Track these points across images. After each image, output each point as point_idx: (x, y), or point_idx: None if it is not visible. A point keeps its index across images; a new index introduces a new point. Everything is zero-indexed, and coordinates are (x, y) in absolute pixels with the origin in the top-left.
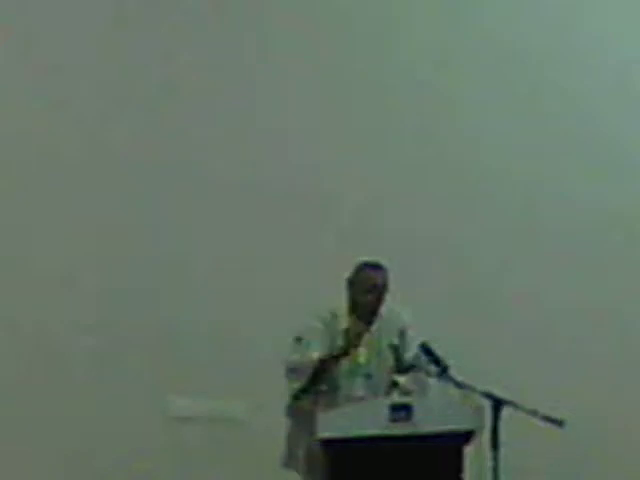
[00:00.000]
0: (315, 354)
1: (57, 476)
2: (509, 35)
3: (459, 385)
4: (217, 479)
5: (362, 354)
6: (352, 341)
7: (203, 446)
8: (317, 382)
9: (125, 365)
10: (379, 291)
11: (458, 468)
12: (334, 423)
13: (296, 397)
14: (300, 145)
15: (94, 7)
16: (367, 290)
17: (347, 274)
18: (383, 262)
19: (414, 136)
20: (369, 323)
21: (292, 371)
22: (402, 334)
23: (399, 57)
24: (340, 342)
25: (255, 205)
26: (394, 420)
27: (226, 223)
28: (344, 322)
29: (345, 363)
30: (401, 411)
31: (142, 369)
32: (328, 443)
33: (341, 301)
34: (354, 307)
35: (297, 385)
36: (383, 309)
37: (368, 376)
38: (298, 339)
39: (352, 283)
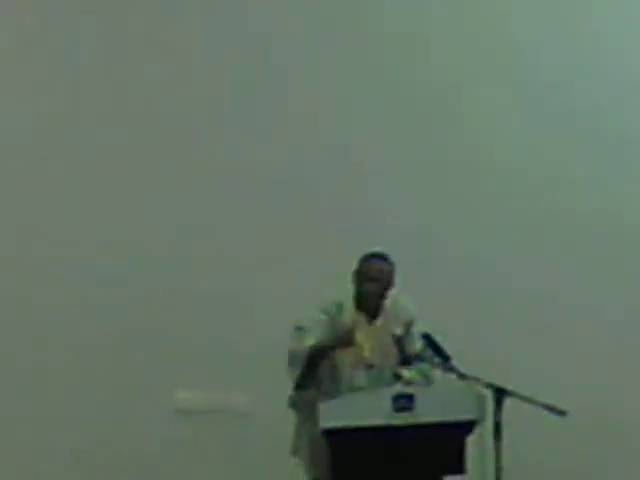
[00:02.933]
0: (309, 341)
1: (60, 470)
2: (518, 36)
3: (461, 375)
4: (220, 472)
5: (366, 346)
6: (345, 337)
7: (205, 439)
8: (313, 369)
9: (127, 358)
10: (383, 280)
11: (460, 458)
12: (336, 413)
13: (298, 385)
14: (305, 140)
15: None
16: (371, 278)
17: (352, 268)
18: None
19: (418, 133)
20: (374, 315)
21: (291, 360)
22: (408, 326)
23: (412, 55)
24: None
25: (257, 200)
26: (397, 410)
27: (228, 218)
28: (349, 313)
29: (349, 354)
30: (403, 401)
31: (144, 362)
32: (330, 433)
33: (346, 294)
34: (359, 298)
35: (297, 373)
36: (388, 301)
37: (371, 367)
38: (298, 328)
39: (357, 273)
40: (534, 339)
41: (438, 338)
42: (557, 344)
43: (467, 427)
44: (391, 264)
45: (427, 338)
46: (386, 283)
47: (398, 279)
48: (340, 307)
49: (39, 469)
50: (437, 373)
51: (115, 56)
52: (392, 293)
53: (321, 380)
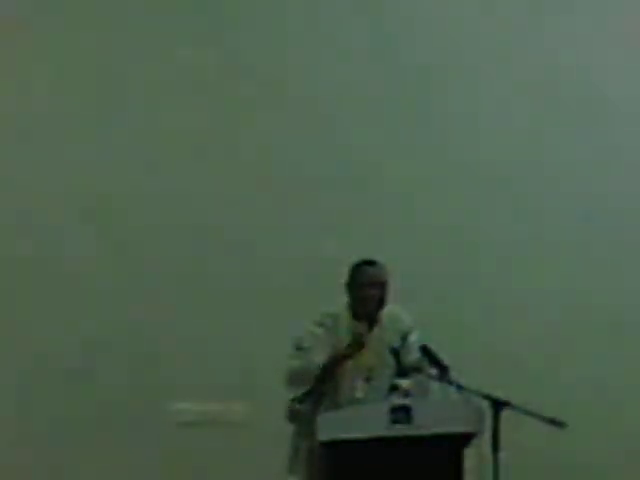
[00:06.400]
0: (319, 359)
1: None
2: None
3: (459, 387)
4: None
5: (363, 356)
6: (357, 342)
7: (204, 450)
8: (320, 388)
9: (125, 370)
10: (382, 284)
11: (458, 470)
12: (334, 425)
13: (297, 402)
14: (303, 144)
15: None
16: (370, 284)
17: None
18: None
19: (416, 134)
20: (371, 324)
21: (294, 380)
22: (404, 337)
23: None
24: (343, 343)
25: (255, 205)
26: (394, 422)
27: (226, 225)
28: (345, 324)
29: (346, 365)
30: (401, 413)
31: (142, 374)
32: (328, 445)
33: (340, 306)
34: (358, 306)
35: (298, 393)
36: (384, 312)
37: (369, 379)
38: (298, 347)
39: (351, 282)
40: (534, 348)
41: (435, 348)
42: (555, 347)
43: (465, 439)
44: (383, 268)
45: (425, 349)
46: (382, 287)
47: (395, 287)
48: (336, 319)
49: (36, 476)
50: (434, 384)
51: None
52: (387, 304)
53: (321, 395)
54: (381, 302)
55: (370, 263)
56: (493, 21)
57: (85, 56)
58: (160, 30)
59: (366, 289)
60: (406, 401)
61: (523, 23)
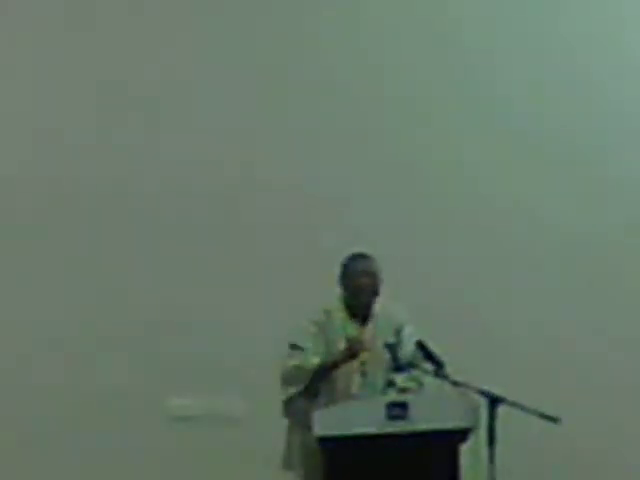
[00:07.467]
0: (315, 360)
1: (56, 477)
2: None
3: (455, 383)
4: (216, 478)
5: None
6: (355, 349)
7: (202, 445)
8: (314, 388)
9: (123, 364)
10: (375, 275)
11: (454, 466)
12: (330, 421)
13: (289, 400)
14: (302, 146)
15: None
16: (362, 274)
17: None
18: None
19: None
20: (365, 316)
21: (289, 379)
22: (398, 332)
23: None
24: (336, 344)
25: (254, 206)
26: (390, 418)
27: (224, 224)
28: (338, 319)
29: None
30: (397, 409)
31: (140, 368)
32: (325, 441)
33: (333, 301)
34: (353, 296)
35: (292, 392)
36: (378, 307)
37: (364, 374)
38: (294, 346)
39: (344, 273)
40: (530, 346)
41: (431, 344)
42: (553, 349)
43: (461, 435)
44: (375, 261)
45: (421, 345)
46: (377, 278)
47: (391, 286)
48: (328, 312)
49: (36, 475)
50: (430, 380)
51: None
52: (380, 300)
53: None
54: (375, 293)
55: (362, 255)
56: None
57: None
58: None
59: (360, 279)
60: (402, 397)
61: None
